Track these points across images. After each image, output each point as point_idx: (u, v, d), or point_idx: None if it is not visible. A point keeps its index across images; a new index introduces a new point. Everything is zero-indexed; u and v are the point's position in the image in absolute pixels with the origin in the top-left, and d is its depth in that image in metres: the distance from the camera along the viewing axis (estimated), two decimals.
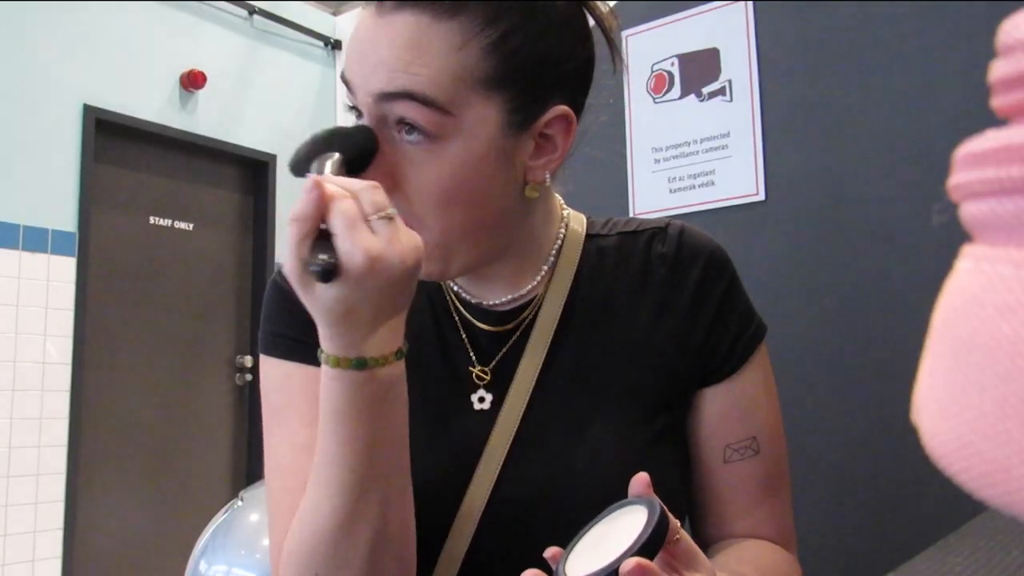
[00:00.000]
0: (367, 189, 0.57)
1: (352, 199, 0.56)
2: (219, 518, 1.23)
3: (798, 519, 0.81)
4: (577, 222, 0.81)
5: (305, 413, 0.73)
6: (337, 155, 0.62)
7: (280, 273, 0.79)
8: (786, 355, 1.20)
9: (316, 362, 0.72)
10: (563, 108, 0.68)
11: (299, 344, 0.75)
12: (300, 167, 0.63)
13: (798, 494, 1.16)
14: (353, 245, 0.54)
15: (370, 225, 0.56)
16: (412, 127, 0.63)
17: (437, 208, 0.65)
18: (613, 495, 0.59)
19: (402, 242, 0.56)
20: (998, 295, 0.21)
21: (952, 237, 0.28)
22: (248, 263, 4.38)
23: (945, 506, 0.97)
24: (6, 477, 3.29)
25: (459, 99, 0.63)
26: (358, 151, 0.64)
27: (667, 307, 0.77)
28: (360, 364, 0.59)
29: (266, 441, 0.75)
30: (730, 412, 0.77)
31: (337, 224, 0.55)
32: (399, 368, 0.61)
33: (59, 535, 3.42)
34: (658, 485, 0.72)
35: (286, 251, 0.57)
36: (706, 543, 0.79)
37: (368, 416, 0.60)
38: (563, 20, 0.68)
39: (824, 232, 1.13)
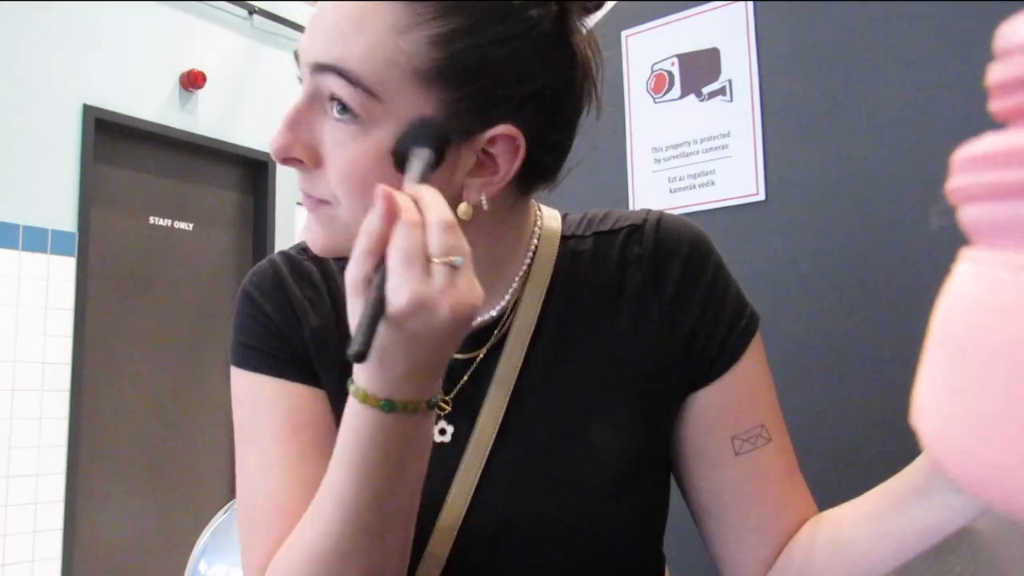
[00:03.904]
0: (442, 227, 0.52)
1: (420, 230, 0.51)
2: (219, 518, 1.23)
3: None
4: (552, 223, 0.75)
5: (277, 430, 0.71)
6: (428, 151, 0.58)
7: (250, 280, 0.77)
8: (785, 356, 1.20)
9: (288, 376, 0.73)
10: (511, 128, 0.61)
11: (269, 357, 0.74)
12: (401, 148, 0.59)
13: None
14: (402, 283, 0.50)
15: (430, 266, 0.51)
16: (342, 105, 0.59)
17: (349, 192, 0.61)
18: (585, 526, 0.58)
19: (458, 292, 0.51)
20: (996, 299, 0.21)
21: (951, 240, 0.28)
22: (248, 263, 4.38)
23: None
24: (6, 477, 3.29)
25: (390, 85, 0.59)
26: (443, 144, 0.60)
27: (644, 314, 0.72)
28: (389, 406, 0.54)
29: (237, 457, 0.72)
30: (732, 404, 0.71)
31: (393, 258, 0.51)
32: (428, 418, 0.57)
33: (59, 535, 3.42)
34: (635, 516, 0.68)
35: (352, 258, 0.52)
36: (741, 558, 0.72)
37: (387, 461, 0.56)
38: (533, 38, 0.61)
39: (824, 232, 1.13)
